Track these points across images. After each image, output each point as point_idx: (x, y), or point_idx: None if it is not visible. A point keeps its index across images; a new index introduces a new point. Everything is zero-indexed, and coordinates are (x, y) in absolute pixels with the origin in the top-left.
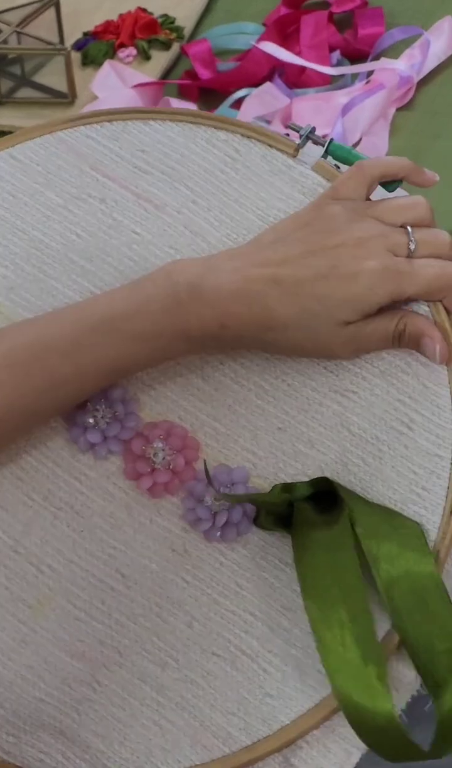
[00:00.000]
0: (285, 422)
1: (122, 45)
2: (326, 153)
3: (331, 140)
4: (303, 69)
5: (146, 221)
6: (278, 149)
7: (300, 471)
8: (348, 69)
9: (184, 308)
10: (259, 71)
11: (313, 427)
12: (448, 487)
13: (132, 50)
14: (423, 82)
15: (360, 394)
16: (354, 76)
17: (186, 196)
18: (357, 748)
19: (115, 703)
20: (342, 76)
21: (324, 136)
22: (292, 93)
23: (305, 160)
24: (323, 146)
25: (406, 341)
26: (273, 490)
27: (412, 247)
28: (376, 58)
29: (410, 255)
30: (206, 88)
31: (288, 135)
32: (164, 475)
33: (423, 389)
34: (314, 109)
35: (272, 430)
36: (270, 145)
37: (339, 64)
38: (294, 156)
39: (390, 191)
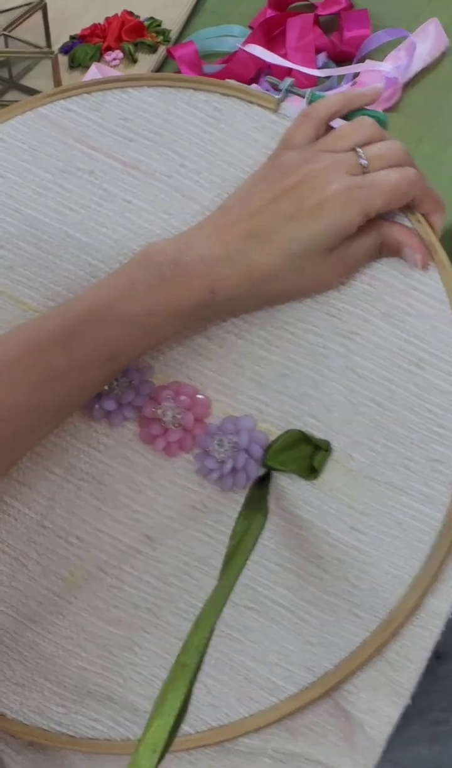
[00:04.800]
0: (290, 368)
1: (109, 48)
2: (308, 105)
3: (312, 92)
4: (289, 71)
5: (137, 189)
6: (259, 105)
7: (306, 412)
8: (334, 71)
9: (171, 284)
10: (246, 73)
11: (319, 370)
12: None
13: (118, 53)
14: (408, 84)
15: (363, 335)
16: (340, 78)
17: (173, 160)
18: (406, 688)
19: (158, 664)
20: (328, 77)
21: None
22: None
23: (288, 114)
24: (304, 98)
25: (387, 252)
26: (288, 434)
27: (364, 163)
28: (362, 60)
29: (366, 170)
30: None
31: (268, 91)
32: (176, 433)
33: (431, 329)
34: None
35: (277, 377)
36: (251, 102)
37: (325, 66)
38: (275, 111)
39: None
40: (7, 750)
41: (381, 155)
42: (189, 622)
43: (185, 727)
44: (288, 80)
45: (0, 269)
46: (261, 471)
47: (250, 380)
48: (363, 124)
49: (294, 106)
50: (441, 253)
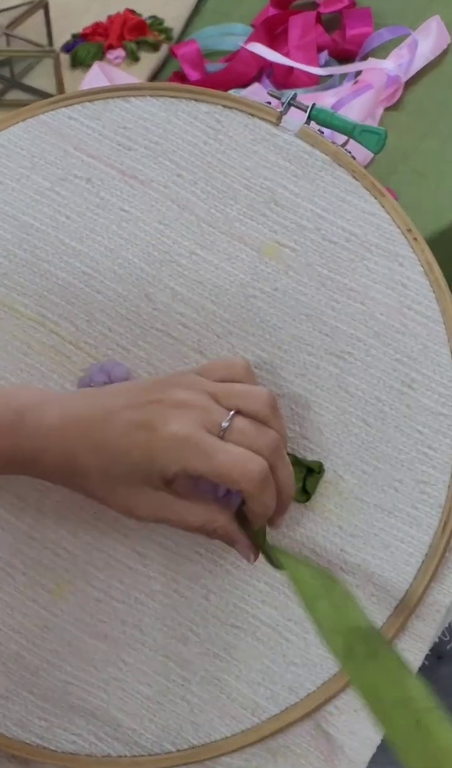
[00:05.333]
0: (282, 388)
1: (111, 46)
2: (309, 119)
3: (313, 105)
4: (291, 69)
5: (133, 198)
6: (260, 118)
7: (298, 434)
8: (336, 69)
9: (5, 436)
10: (248, 72)
11: (311, 390)
12: None
13: (120, 52)
14: (410, 82)
15: (356, 355)
16: (343, 77)
17: (171, 170)
18: None
19: (142, 680)
20: (330, 76)
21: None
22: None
23: (288, 127)
24: (305, 112)
25: (219, 539)
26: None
27: (224, 425)
28: (364, 58)
29: (220, 436)
30: None
31: (269, 103)
32: None
33: (423, 349)
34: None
35: None
36: (252, 114)
37: (327, 64)
38: (276, 124)
39: (375, 151)
40: None
41: (244, 432)
42: (176, 640)
43: (167, 745)
44: (291, 93)
45: None
46: None
47: None
48: (256, 395)
49: (296, 119)
50: (437, 272)
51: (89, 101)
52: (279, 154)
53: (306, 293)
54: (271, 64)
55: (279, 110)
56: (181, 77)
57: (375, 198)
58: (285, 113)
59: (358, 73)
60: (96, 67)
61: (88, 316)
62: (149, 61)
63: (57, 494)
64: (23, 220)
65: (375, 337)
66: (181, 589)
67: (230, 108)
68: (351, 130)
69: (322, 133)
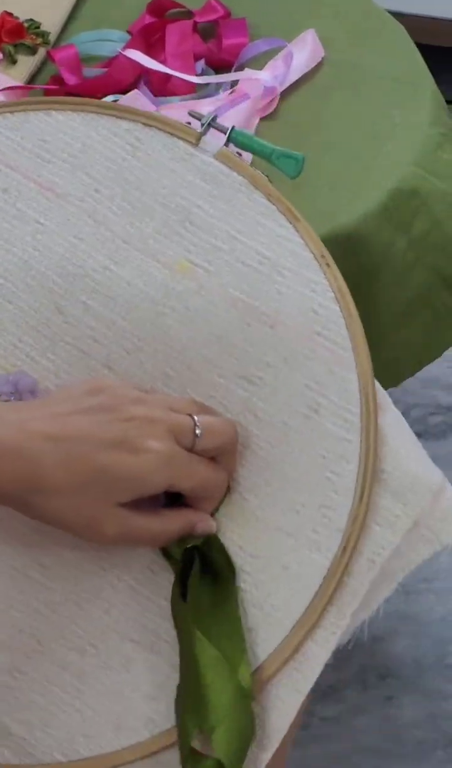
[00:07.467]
0: None
1: None
2: (228, 141)
3: (232, 128)
4: (168, 77)
5: (49, 211)
6: (179, 138)
7: None
8: (212, 78)
9: None
10: (125, 78)
11: (220, 413)
12: (357, 472)
13: None
14: (286, 93)
15: (265, 379)
16: (219, 86)
17: (88, 184)
18: (275, 729)
19: (36, 690)
20: (207, 85)
21: None
22: (157, 101)
23: (207, 149)
24: (225, 134)
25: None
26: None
27: (198, 432)
28: (240, 68)
29: (194, 443)
30: (73, 93)
31: (189, 123)
32: None
33: (330, 374)
34: (179, 118)
35: None
36: (172, 134)
37: (204, 73)
38: (195, 144)
39: (293, 176)
40: None
41: (213, 431)
42: (74, 651)
43: (57, 755)
44: (210, 115)
45: None
46: None
47: None
48: (197, 403)
49: (215, 140)
50: (348, 299)
51: (10, 112)
52: (197, 175)
53: (218, 314)
54: (148, 71)
55: (199, 131)
56: (59, 81)
57: (290, 223)
58: (205, 134)
59: (235, 82)
60: None
61: None
62: (26, 63)
63: None
64: None
65: (284, 362)
66: (81, 603)
67: (150, 126)
68: (269, 154)
69: (240, 155)
